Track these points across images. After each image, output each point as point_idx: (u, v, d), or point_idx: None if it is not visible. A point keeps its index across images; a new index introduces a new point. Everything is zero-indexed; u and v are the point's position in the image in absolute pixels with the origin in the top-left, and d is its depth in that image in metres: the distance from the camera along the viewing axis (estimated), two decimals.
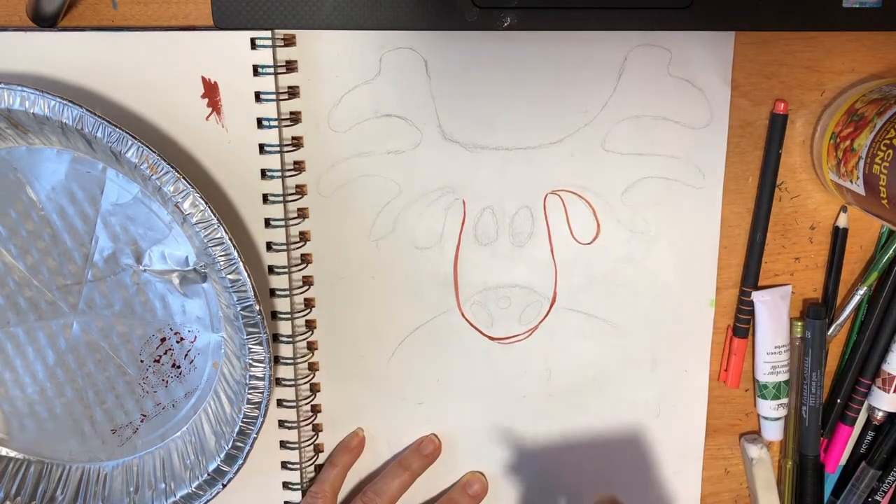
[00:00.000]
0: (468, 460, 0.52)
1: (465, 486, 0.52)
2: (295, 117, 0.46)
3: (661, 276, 0.49)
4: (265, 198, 0.46)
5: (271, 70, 0.44)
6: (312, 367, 0.50)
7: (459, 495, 0.51)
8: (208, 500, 0.48)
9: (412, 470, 0.50)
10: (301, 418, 0.49)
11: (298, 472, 0.50)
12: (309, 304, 0.49)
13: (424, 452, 0.51)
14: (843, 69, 0.47)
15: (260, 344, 0.44)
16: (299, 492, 0.51)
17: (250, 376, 0.45)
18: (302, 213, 0.48)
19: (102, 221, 0.47)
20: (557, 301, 0.50)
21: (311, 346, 0.50)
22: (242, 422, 0.46)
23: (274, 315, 0.48)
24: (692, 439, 0.52)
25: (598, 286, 0.49)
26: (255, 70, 0.44)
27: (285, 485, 0.51)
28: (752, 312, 0.50)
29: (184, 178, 0.41)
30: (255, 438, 0.46)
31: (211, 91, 0.44)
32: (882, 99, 0.43)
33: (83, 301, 0.48)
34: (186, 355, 0.49)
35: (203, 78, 0.44)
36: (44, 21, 0.43)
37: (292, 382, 0.49)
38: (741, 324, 0.50)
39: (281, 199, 0.46)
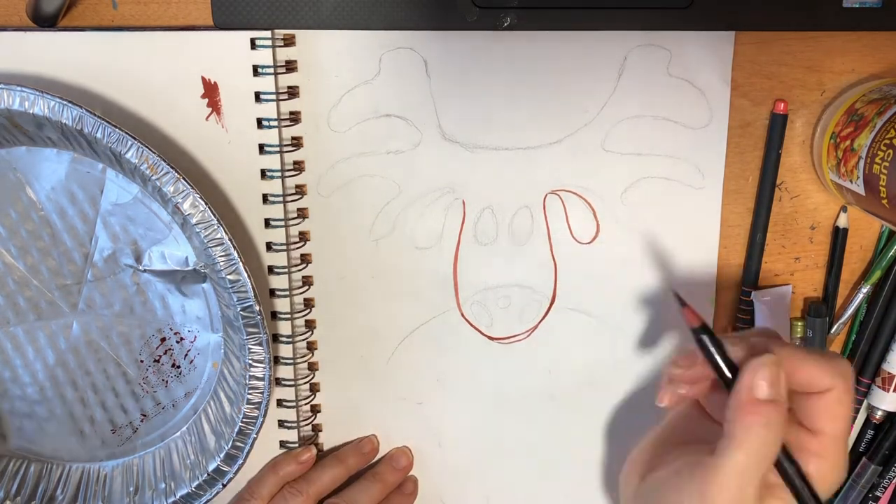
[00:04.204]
0: (467, 460, 0.52)
1: (391, 461, 0.51)
2: (295, 117, 0.46)
3: (660, 277, 0.49)
4: (265, 198, 0.46)
5: (271, 70, 0.44)
6: (312, 367, 0.50)
7: (386, 469, 0.51)
8: (208, 500, 0.48)
9: (347, 465, 0.50)
10: (301, 418, 0.49)
11: None
12: (309, 304, 0.49)
13: (363, 451, 0.51)
14: (843, 69, 0.47)
15: (260, 344, 0.44)
16: None
17: (250, 376, 0.45)
18: (302, 213, 0.48)
19: (102, 221, 0.47)
20: (557, 300, 0.50)
21: (311, 346, 0.50)
22: (242, 422, 0.46)
23: (274, 315, 0.48)
24: None
25: (598, 286, 0.49)
26: (255, 70, 0.44)
27: None
28: (752, 312, 0.50)
29: (184, 178, 0.41)
30: (255, 438, 0.46)
31: (211, 91, 0.44)
32: (882, 99, 0.43)
33: (83, 301, 0.48)
34: (186, 355, 0.49)
35: (203, 78, 0.44)
36: (44, 21, 0.43)
37: (292, 382, 0.49)
38: (741, 324, 0.50)
39: (281, 199, 0.46)
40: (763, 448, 0.32)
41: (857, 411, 0.51)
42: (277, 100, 0.44)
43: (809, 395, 0.34)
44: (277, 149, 0.45)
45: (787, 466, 0.33)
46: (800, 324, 0.50)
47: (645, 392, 0.51)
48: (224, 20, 0.44)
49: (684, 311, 0.36)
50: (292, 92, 0.45)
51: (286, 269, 0.47)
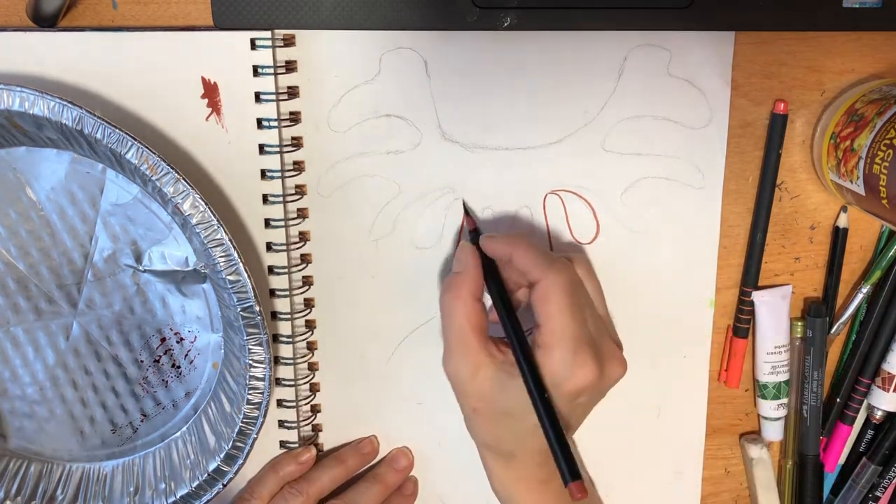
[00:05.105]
0: (467, 460, 0.52)
1: (391, 462, 0.51)
2: (295, 117, 0.46)
3: (660, 276, 0.49)
4: (265, 198, 0.46)
5: (271, 70, 0.44)
6: (312, 367, 0.50)
7: (386, 470, 0.51)
8: (208, 500, 0.48)
9: (347, 465, 0.50)
10: (301, 418, 0.49)
11: None
12: (309, 304, 0.49)
13: (363, 451, 0.51)
14: (843, 69, 0.47)
15: (260, 344, 0.44)
16: None
17: (250, 376, 0.45)
18: (302, 214, 0.48)
19: (102, 222, 0.47)
20: None
21: (311, 346, 0.50)
22: (242, 422, 0.46)
23: (274, 315, 0.48)
24: (692, 439, 0.52)
25: None
26: (255, 70, 0.44)
27: None
28: (752, 312, 0.50)
29: (184, 178, 0.41)
30: (255, 438, 0.46)
31: (211, 91, 0.44)
32: (882, 99, 0.43)
33: (83, 301, 0.48)
34: (186, 355, 0.49)
35: (203, 78, 0.44)
36: (44, 21, 0.43)
37: (292, 382, 0.49)
38: (741, 324, 0.50)
39: (281, 199, 0.46)
40: (447, 306, 0.42)
41: (856, 411, 0.51)
42: (277, 100, 0.44)
43: (532, 289, 0.41)
44: (277, 149, 0.45)
45: (514, 342, 0.41)
46: (800, 324, 0.50)
47: (644, 391, 0.51)
48: (224, 20, 0.44)
49: (465, 218, 0.47)
50: (292, 92, 0.45)
51: (286, 269, 0.47)
